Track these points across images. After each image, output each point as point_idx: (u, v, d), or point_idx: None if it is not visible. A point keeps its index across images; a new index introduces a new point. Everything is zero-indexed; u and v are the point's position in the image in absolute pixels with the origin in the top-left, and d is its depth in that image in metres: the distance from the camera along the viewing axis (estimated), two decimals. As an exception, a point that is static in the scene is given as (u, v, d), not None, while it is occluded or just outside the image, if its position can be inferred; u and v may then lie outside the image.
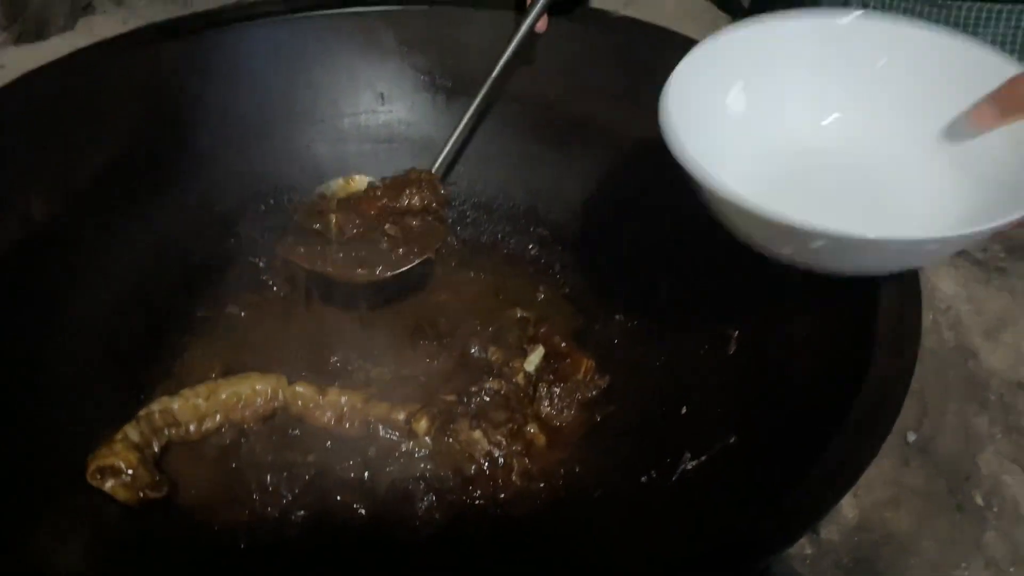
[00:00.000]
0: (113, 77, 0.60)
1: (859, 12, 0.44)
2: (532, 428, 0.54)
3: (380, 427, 0.52)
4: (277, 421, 0.53)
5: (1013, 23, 0.62)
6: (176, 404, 0.51)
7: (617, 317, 0.60)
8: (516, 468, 0.51)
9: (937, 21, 0.65)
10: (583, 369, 0.57)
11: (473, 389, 0.53)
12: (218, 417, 0.52)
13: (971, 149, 0.41)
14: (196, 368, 0.57)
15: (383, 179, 0.60)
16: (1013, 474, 0.45)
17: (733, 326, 0.52)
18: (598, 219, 0.64)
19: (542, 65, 0.64)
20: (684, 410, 0.52)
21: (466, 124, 0.60)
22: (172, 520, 0.48)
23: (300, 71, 0.65)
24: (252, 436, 0.52)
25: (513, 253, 0.67)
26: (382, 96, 0.68)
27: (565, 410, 0.55)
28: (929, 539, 0.43)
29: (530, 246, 0.67)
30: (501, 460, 0.51)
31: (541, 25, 0.59)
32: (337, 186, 0.62)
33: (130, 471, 0.47)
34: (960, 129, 0.42)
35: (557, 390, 0.55)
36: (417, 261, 0.57)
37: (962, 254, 0.57)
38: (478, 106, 0.59)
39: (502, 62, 0.58)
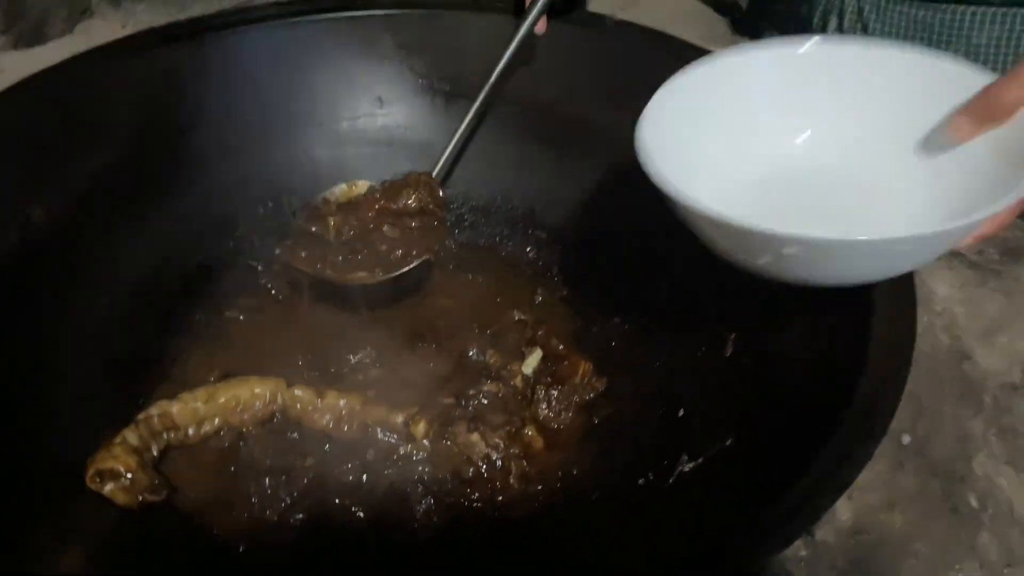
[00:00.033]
0: (112, 82, 0.60)
1: (817, 38, 0.45)
2: (530, 431, 0.54)
3: (378, 430, 0.52)
4: (276, 424, 0.53)
5: (1008, 26, 0.63)
6: (175, 408, 0.52)
7: (615, 320, 0.60)
8: (514, 471, 0.51)
9: (932, 24, 0.65)
10: (581, 372, 0.57)
11: (471, 392, 0.54)
12: (217, 421, 0.52)
13: (951, 159, 0.41)
14: (195, 372, 0.57)
15: (384, 182, 0.61)
16: (1007, 476, 0.46)
17: (730, 329, 0.53)
18: (596, 222, 0.64)
19: (539, 68, 0.64)
20: (681, 412, 0.52)
21: (466, 127, 0.60)
22: (171, 523, 0.48)
23: (298, 75, 0.65)
24: (251, 439, 0.52)
25: (511, 256, 0.68)
26: (380, 100, 0.68)
27: (563, 413, 0.55)
28: (923, 541, 0.43)
29: (528, 249, 0.68)
30: (499, 463, 0.51)
31: (540, 27, 0.60)
32: (340, 191, 0.62)
33: (129, 475, 0.47)
34: (937, 141, 0.42)
35: (555, 393, 0.56)
36: (416, 263, 0.57)
37: (957, 256, 0.58)
38: (477, 109, 0.60)
39: (501, 64, 0.58)
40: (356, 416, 0.53)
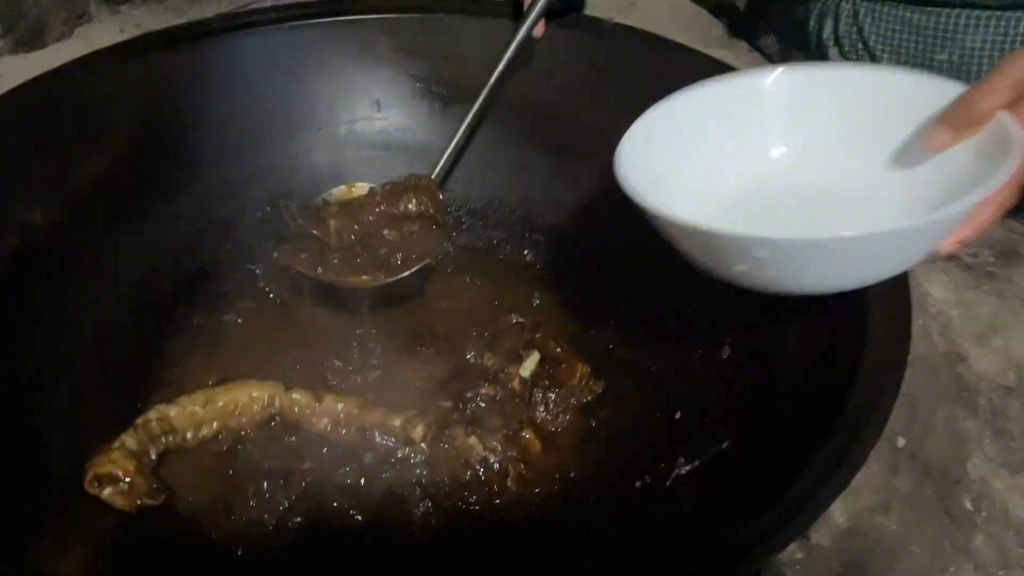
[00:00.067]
0: (110, 86, 0.60)
1: (782, 68, 0.46)
2: (528, 433, 0.54)
3: (376, 433, 0.52)
4: (274, 428, 0.54)
5: (1002, 29, 0.63)
6: (173, 411, 0.52)
7: (612, 322, 0.60)
8: (512, 473, 0.52)
9: (926, 27, 0.66)
10: (578, 374, 0.57)
11: (469, 395, 0.54)
12: (215, 424, 0.52)
13: (929, 166, 0.42)
14: (193, 375, 0.57)
15: (384, 184, 0.61)
16: (1002, 479, 0.46)
17: (727, 331, 0.53)
18: (593, 225, 0.65)
19: (536, 71, 0.64)
20: (679, 415, 0.52)
21: (464, 131, 0.60)
22: (170, 527, 0.48)
23: (296, 79, 0.66)
24: (249, 443, 0.53)
25: (509, 258, 0.68)
26: (378, 103, 0.68)
27: (560, 415, 0.56)
28: (918, 544, 0.43)
29: (525, 252, 0.68)
30: (497, 466, 0.52)
31: (538, 30, 0.60)
32: (339, 192, 0.63)
33: (127, 479, 0.47)
34: (915, 152, 0.43)
35: (552, 395, 0.56)
36: (417, 267, 0.57)
37: (952, 259, 0.58)
38: (475, 112, 0.60)
39: (500, 68, 0.58)
40: (354, 419, 0.53)
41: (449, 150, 0.61)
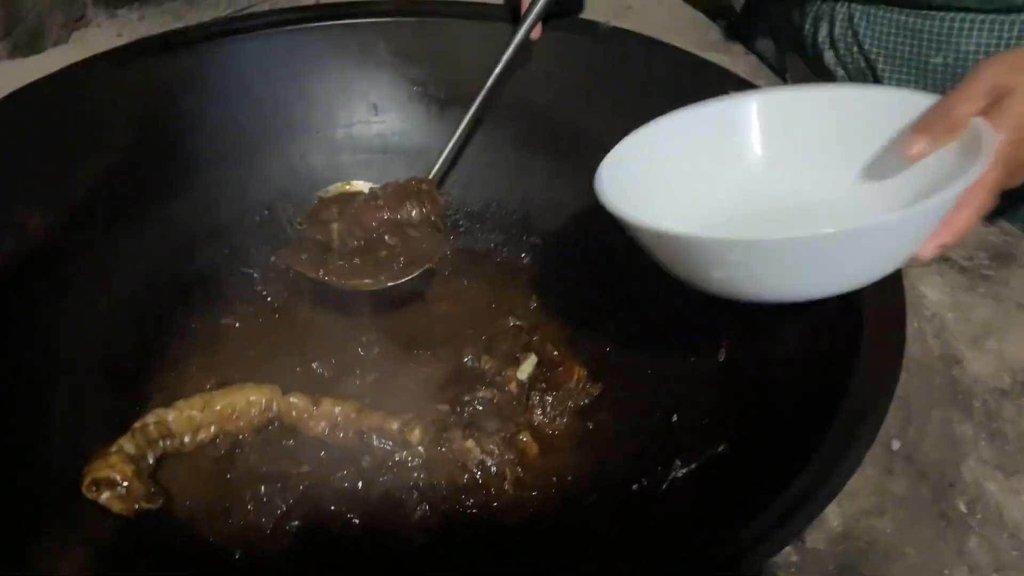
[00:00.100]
0: (108, 90, 0.60)
1: (758, 94, 0.47)
2: (525, 436, 0.54)
3: (374, 437, 0.52)
4: (271, 432, 0.54)
5: (996, 33, 0.63)
6: (171, 415, 0.52)
7: (609, 325, 0.60)
8: (509, 476, 0.52)
9: (921, 30, 0.66)
10: (576, 377, 0.57)
11: (466, 398, 0.54)
12: (213, 428, 0.53)
13: (908, 176, 0.42)
14: (191, 379, 0.57)
15: (385, 185, 0.61)
16: (997, 481, 0.46)
17: (723, 335, 0.53)
18: (590, 227, 0.65)
19: (533, 75, 0.64)
20: (675, 418, 0.52)
21: (461, 134, 0.61)
22: (167, 531, 0.48)
23: (293, 83, 0.66)
24: (247, 447, 0.53)
25: (506, 262, 0.68)
26: (376, 107, 0.68)
27: (558, 418, 0.56)
28: (913, 546, 0.43)
29: (523, 255, 0.68)
30: (494, 469, 0.52)
31: (535, 33, 0.60)
32: (336, 189, 0.63)
33: (125, 483, 0.47)
34: (892, 164, 0.43)
35: (550, 398, 0.56)
36: (418, 271, 0.57)
37: (947, 261, 0.58)
38: (473, 116, 0.60)
39: (497, 71, 0.59)
40: (351, 423, 0.53)
41: (446, 153, 0.61)
